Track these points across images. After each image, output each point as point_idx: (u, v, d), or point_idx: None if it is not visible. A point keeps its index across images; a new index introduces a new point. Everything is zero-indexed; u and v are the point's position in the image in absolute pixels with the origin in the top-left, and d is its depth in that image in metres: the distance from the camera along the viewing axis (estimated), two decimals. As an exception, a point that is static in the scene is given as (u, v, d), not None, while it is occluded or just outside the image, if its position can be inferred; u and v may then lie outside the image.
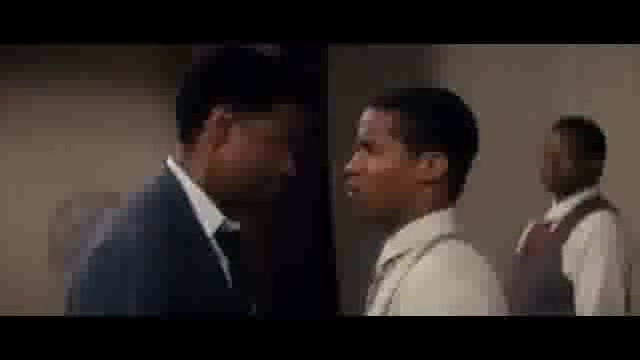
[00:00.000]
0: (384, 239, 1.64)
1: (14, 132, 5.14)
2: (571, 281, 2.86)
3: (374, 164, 1.61)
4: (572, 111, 3.45)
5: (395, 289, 1.54)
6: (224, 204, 1.54)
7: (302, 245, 4.20)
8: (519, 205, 3.46)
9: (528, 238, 3.11)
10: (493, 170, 3.77)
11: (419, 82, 4.43)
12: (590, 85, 4.05)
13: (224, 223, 1.53)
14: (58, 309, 1.49)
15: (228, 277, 1.54)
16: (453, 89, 1.71)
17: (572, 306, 2.85)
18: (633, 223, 3.00)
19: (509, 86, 4.37)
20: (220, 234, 1.53)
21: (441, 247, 1.56)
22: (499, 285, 1.56)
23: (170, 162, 1.56)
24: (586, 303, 2.81)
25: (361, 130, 1.64)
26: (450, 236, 1.59)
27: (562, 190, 2.98)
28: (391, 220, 1.62)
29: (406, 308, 1.50)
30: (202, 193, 1.53)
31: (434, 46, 4.64)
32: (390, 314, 1.54)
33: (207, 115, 1.52)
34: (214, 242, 1.52)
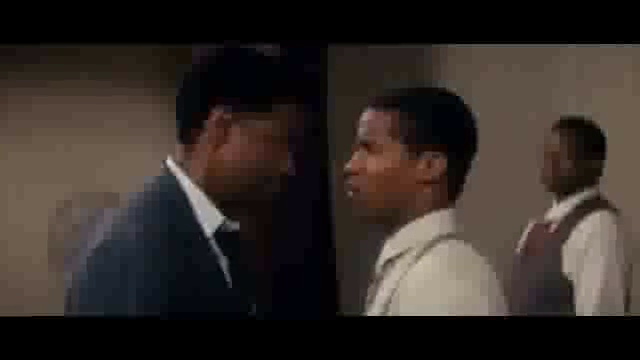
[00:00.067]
0: (384, 239, 1.65)
1: (14, 132, 5.14)
2: (571, 281, 2.86)
3: (374, 164, 1.61)
4: (572, 111, 3.45)
5: (395, 289, 1.54)
6: (224, 204, 1.54)
7: (302, 245, 4.20)
8: (519, 205, 3.46)
9: (528, 238, 3.11)
10: (493, 170, 3.77)
11: (419, 82, 4.43)
12: (590, 85, 4.05)
13: (223, 223, 1.53)
14: (58, 309, 1.49)
15: (228, 277, 1.54)
16: (453, 89, 1.71)
17: (572, 306, 2.85)
18: (633, 223, 3.00)
19: (509, 86, 4.37)
20: (219, 234, 1.53)
21: (441, 247, 1.56)
22: (499, 285, 1.56)
23: (170, 162, 1.56)
24: (586, 303, 2.81)
25: (361, 130, 1.64)
26: (450, 236, 1.59)
27: (562, 190, 2.98)
28: (391, 220, 1.62)
29: (406, 308, 1.50)
30: (201, 193, 1.53)
31: (434, 46, 4.64)
32: (390, 314, 1.54)
33: (207, 115, 1.52)
34: (213, 242, 1.52)
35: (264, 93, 1.53)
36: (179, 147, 1.56)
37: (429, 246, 1.56)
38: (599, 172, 2.99)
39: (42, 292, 4.62)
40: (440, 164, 1.60)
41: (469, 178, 1.67)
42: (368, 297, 1.66)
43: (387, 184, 1.60)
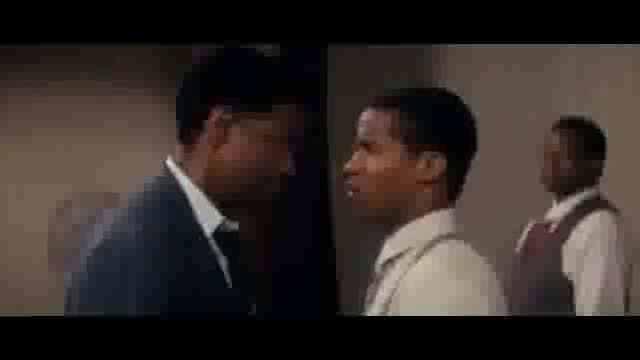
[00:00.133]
0: (384, 239, 1.65)
1: (14, 132, 5.14)
2: (571, 281, 2.86)
3: (374, 164, 1.61)
4: (572, 111, 3.45)
5: (395, 289, 1.54)
6: (224, 204, 1.54)
7: (302, 245, 4.20)
8: (519, 205, 3.46)
9: (528, 238, 3.11)
10: (493, 170, 3.77)
11: (419, 82, 4.43)
12: (590, 85, 4.05)
13: (223, 223, 1.53)
14: (58, 309, 1.49)
15: (228, 277, 1.54)
16: (453, 89, 1.71)
17: (572, 306, 2.85)
18: (633, 223, 3.00)
19: (509, 86, 4.37)
20: (219, 234, 1.53)
21: (441, 247, 1.56)
22: (499, 285, 1.56)
23: (169, 162, 1.56)
24: (586, 303, 2.81)
25: (361, 130, 1.64)
26: (450, 236, 1.59)
27: (562, 190, 2.98)
28: (391, 220, 1.62)
29: (406, 308, 1.50)
30: (201, 193, 1.53)
31: (434, 46, 4.64)
32: (390, 314, 1.54)
33: (207, 115, 1.52)
34: (213, 242, 1.52)
35: (264, 93, 1.53)
36: (179, 147, 1.56)
37: (429, 246, 1.56)
38: (599, 172, 2.99)
39: (42, 292, 4.62)
40: (440, 164, 1.60)
41: (469, 178, 1.67)
42: (368, 297, 1.66)
43: (387, 184, 1.60)
